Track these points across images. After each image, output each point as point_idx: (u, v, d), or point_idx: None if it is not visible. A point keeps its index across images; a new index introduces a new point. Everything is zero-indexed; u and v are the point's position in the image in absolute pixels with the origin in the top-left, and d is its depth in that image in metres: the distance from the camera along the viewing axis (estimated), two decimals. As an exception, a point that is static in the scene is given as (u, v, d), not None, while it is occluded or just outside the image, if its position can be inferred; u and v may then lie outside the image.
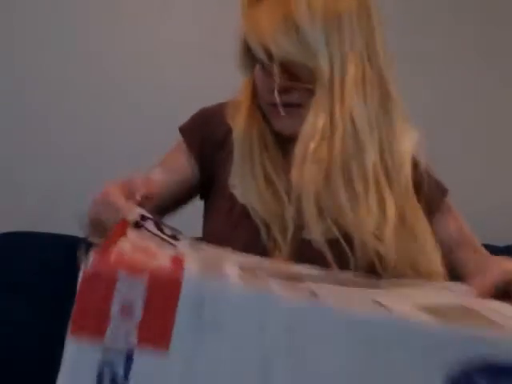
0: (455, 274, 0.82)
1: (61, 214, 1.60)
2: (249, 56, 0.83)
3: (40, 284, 1.35)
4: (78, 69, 1.54)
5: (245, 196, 0.81)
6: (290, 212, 0.77)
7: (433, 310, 0.44)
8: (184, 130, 0.95)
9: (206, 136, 0.92)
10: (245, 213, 0.80)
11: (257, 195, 0.79)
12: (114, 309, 0.36)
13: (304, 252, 0.74)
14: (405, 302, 0.47)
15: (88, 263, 0.37)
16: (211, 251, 0.59)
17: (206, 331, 0.37)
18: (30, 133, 1.57)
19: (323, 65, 0.75)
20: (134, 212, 0.56)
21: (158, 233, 0.53)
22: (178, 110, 1.54)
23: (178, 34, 1.55)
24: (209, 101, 1.53)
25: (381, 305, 0.44)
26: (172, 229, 0.60)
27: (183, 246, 0.52)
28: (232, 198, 0.83)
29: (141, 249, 0.44)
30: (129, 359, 0.36)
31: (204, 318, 0.38)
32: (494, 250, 1.49)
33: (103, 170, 1.58)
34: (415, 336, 0.40)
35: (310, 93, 0.76)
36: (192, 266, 0.43)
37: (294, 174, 0.74)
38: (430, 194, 0.83)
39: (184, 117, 1.58)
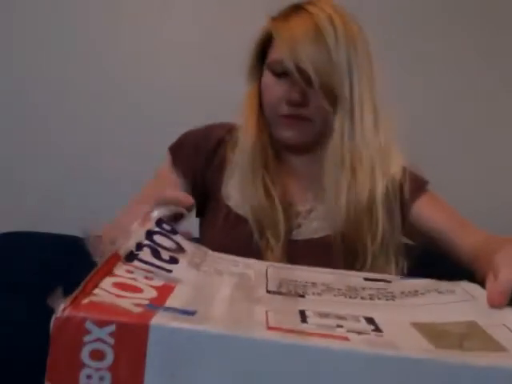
0: (453, 261, 0.83)
1: (61, 214, 1.60)
2: (258, 65, 0.87)
3: (40, 284, 1.35)
4: (78, 69, 1.54)
5: (241, 206, 0.84)
6: (282, 218, 0.83)
7: (430, 331, 0.44)
8: (173, 151, 0.96)
9: (195, 154, 0.93)
10: (240, 219, 0.83)
11: (255, 203, 0.84)
12: (85, 355, 0.38)
13: (293, 251, 0.82)
14: (402, 319, 0.47)
15: (59, 309, 0.39)
16: (214, 265, 0.60)
17: (178, 376, 0.39)
18: (30, 133, 1.57)
19: (345, 84, 0.81)
20: (130, 243, 0.56)
21: (153, 261, 0.55)
22: (178, 110, 1.54)
23: (178, 33, 1.55)
24: (209, 101, 1.54)
25: (373, 324, 0.45)
26: (174, 248, 0.60)
27: (181, 269, 0.55)
28: (227, 208, 0.86)
29: (124, 286, 0.45)
30: None
31: (174, 362, 0.39)
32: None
33: (103, 169, 1.58)
34: (380, 367, 0.38)
35: (323, 109, 0.83)
36: (179, 295, 0.46)
37: (329, 206, 0.83)
38: (407, 192, 0.89)
39: (184, 117, 1.58)
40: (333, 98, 0.81)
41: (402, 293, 0.56)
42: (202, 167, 0.91)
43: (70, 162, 1.58)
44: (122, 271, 0.49)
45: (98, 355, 0.38)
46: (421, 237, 0.89)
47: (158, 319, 0.39)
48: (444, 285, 0.58)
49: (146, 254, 0.55)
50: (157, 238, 0.60)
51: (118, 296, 0.43)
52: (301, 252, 0.82)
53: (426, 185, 0.93)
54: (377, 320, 0.46)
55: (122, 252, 0.53)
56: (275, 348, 0.39)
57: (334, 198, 0.83)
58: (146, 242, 0.58)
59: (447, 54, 1.57)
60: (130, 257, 0.54)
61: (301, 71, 0.80)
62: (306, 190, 0.89)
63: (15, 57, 1.54)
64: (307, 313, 0.46)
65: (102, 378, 0.38)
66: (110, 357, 0.38)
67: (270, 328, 0.41)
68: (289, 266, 0.66)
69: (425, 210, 0.90)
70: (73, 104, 1.56)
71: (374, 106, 0.85)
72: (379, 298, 0.55)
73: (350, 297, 0.54)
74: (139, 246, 0.56)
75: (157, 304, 0.43)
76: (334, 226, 0.83)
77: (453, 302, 0.53)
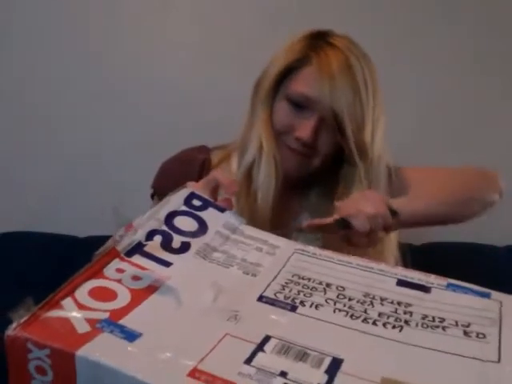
0: None
1: (61, 214, 1.60)
2: (275, 92, 0.86)
3: (40, 284, 1.35)
4: (78, 69, 1.54)
5: None
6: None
7: None
8: (157, 187, 0.95)
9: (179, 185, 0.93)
10: None
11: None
12: (31, 368, 0.44)
13: None
14: (375, 369, 0.43)
15: (11, 327, 0.44)
16: (232, 250, 0.59)
17: None
18: (30, 133, 1.56)
19: (367, 135, 0.83)
20: (138, 235, 0.57)
21: (158, 253, 0.56)
22: (178, 109, 1.54)
23: (178, 34, 1.55)
24: (209, 101, 1.53)
25: (330, 373, 0.42)
26: (195, 229, 0.60)
27: (183, 261, 0.56)
28: None
29: (100, 293, 0.49)
30: None
31: None
32: (494, 250, 1.50)
33: (103, 169, 1.58)
34: None
35: (326, 154, 0.85)
36: (147, 306, 0.49)
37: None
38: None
39: (184, 117, 1.58)
40: (357, 146, 0.84)
41: (424, 318, 0.50)
42: None
43: (69, 162, 1.58)
44: (111, 271, 0.52)
45: (41, 370, 0.44)
46: None
47: (87, 349, 0.43)
48: (484, 317, 0.50)
49: (154, 244, 0.57)
50: (177, 220, 0.60)
51: (80, 308, 0.47)
52: None
53: (394, 169, 0.94)
54: (344, 365, 0.43)
55: (121, 248, 0.55)
56: None
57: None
58: (163, 227, 0.59)
59: (446, 54, 1.57)
60: (135, 249, 0.55)
61: (334, 116, 0.82)
62: (295, 217, 0.91)
63: (15, 57, 1.54)
64: (268, 343, 0.45)
65: None
66: (50, 374, 0.43)
67: (191, 373, 0.41)
68: (320, 253, 0.61)
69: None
70: (73, 104, 1.56)
71: (387, 160, 0.88)
72: (384, 325, 0.49)
73: (352, 316, 0.50)
74: (152, 234, 0.58)
75: (113, 319, 0.46)
76: None
77: (467, 358, 0.45)
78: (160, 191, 0.93)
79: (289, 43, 0.88)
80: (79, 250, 1.29)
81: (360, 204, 0.73)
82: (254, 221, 0.68)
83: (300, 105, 0.83)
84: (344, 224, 0.73)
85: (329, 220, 0.74)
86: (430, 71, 1.56)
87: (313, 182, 0.91)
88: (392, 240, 0.88)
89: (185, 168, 0.92)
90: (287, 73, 0.85)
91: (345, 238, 0.75)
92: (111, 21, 1.54)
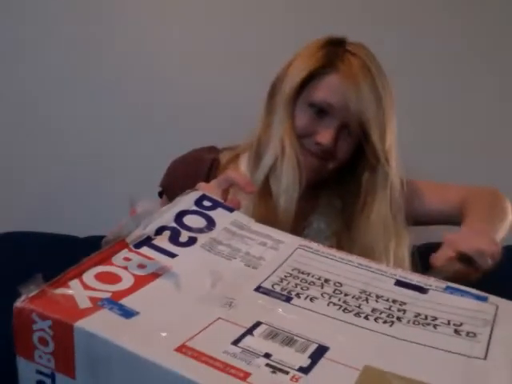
0: None
1: (61, 214, 1.60)
2: (296, 97, 0.87)
3: (40, 284, 1.35)
4: (77, 69, 1.54)
5: None
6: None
7: (372, 380, 0.41)
8: (166, 186, 0.95)
9: (190, 184, 0.94)
10: None
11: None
12: (35, 339, 0.47)
13: None
14: (359, 357, 0.43)
15: (20, 299, 0.48)
16: (237, 244, 0.60)
17: (97, 372, 0.45)
18: (30, 133, 1.56)
19: (388, 141, 0.86)
20: (148, 229, 0.59)
21: (165, 245, 0.58)
22: (178, 110, 1.54)
23: (179, 34, 1.55)
24: (209, 101, 1.53)
25: (314, 358, 0.43)
26: (203, 226, 0.62)
27: (189, 253, 0.57)
28: None
29: (106, 277, 0.52)
30: (53, 377, 0.47)
31: (94, 360, 0.45)
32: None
33: (103, 170, 1.58)
34: None
35: (343, 159, 0.88)
36: (148, 289, 0.51)
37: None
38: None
39: (184, 117, 1.58)
40: (381, 152, 0.86)
41: (416, 316, 0.50)
42: None
43: (69, 162, 1.58)
44: (119, 260, 0.55)
45: (43, 341, 0.46)
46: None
47: (85, 321, 0.45)
48: (478, 318, 0.50)
49: (162, 238, 0.59)
50: (187, 218, 0.62)
51: (86, 288, 0.50)
52: None
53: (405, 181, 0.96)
54: (329, 352, 0.44)
55: (130, 240, 0.57)
56: (164, 373, 0.41)
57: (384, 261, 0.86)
58: (172, 224, 0.61)
59: (447, 54, 1.57)
60: (143, 242, 0.58)
61: (360, 123, 0.84)
62: (305, 218, 0.92)
63: (15, 56, 1.54)
64: (258, 328, 0.46)
65: (49, 360, 0.47)
66: (51, 344, 0.46)
67: (178, 348, 0.43)
68: (323, 250, 0.61)
69: (423, 205, 0.97)
70: (73, 104, 1.56)
71: (401, 171, 0.91)
72: (376, 320, 0.49)
73: (345, 310, 0.51)
74: (161, 229, 0.60)
75: (114, 299, 0.49)
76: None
77: (453, 353, 0.45)
78: (168, 190, 0.93)
79: (308, 49, 0.89)
80: (79, 249, 1.29)
81: (477, 241, 0.74)
82: (274, 224, 0.67)
83: (322, 111, 0.84)
84: (465, 260, 0.72)
85: (449, 255, 0.73)
86: (430, 71, 1.56)
87: (323, 184, 0.92)
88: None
89: (193, 168, 0.93)
90: (309, 79, 0.86)
91: (461, 273, 0.73)
92: (111, 21, 1.54)
